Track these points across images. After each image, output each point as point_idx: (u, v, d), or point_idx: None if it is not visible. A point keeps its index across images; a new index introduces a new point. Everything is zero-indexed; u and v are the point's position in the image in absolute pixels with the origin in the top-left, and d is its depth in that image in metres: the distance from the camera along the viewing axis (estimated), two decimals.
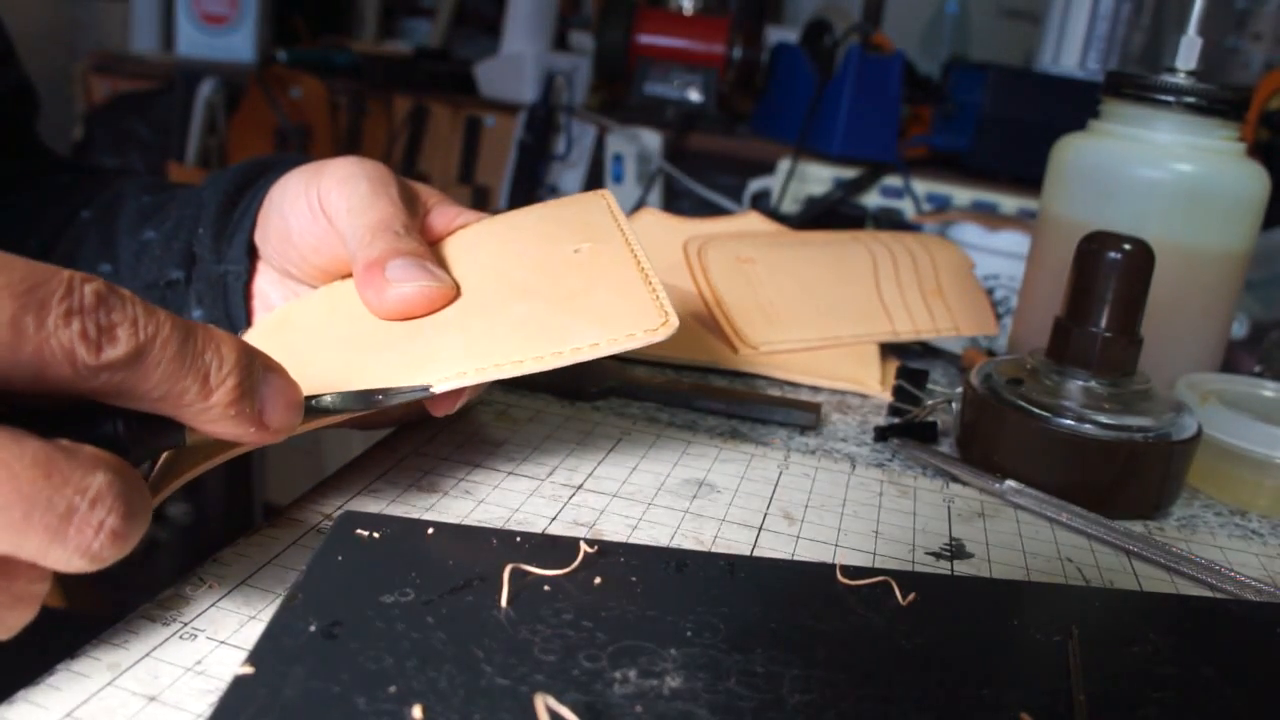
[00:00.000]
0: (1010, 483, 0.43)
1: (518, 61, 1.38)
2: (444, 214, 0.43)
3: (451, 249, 0.41)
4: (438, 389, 0.34)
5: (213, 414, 0.26)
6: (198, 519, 1.62)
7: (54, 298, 0.23)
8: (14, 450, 0.22)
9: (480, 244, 0.41)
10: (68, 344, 0.23)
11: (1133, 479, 0.43)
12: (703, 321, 0.59)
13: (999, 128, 1.11)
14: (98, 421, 0.26)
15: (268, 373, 0.28)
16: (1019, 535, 0.40)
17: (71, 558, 0.23)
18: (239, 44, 1.68)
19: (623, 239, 0.39)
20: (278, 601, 0.29)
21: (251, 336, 0.40)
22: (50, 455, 0.22)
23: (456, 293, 0.38)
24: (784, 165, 1.11)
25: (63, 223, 0.51)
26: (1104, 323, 0.44)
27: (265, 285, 0.45)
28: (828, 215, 1.09)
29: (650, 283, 0.36)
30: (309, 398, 0.31)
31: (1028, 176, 1.05)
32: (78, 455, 0.23)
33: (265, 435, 0.28)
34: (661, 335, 0.34)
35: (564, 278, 0.38)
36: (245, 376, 0.27)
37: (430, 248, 0.40)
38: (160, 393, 0.25)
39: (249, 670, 0.25)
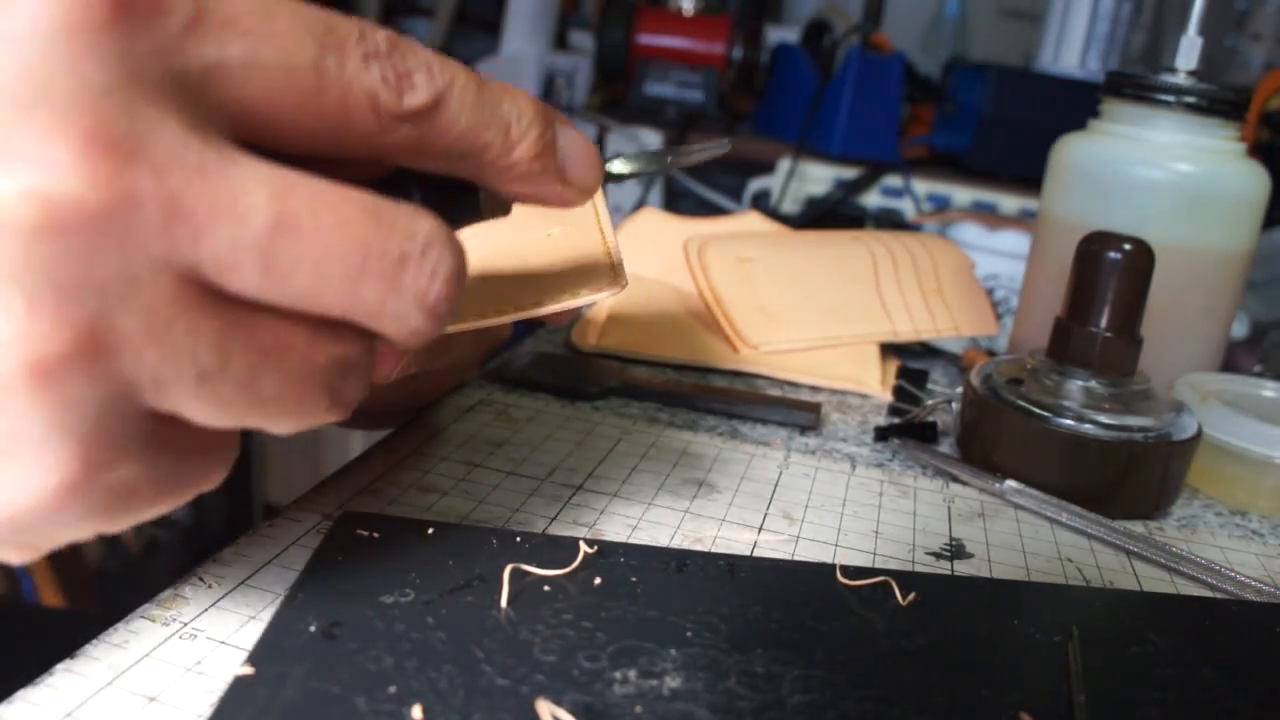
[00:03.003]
0: (1010, 483, 0.43)
1: (518, 61, 1.38)
2: None
3: None
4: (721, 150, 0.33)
5: (517, 170, 0.25)
6: (198, 519, 1.62)
7: (350, 40, 0.21)
8: (343, 195, 0.21)
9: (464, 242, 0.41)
10: (370, 88, 0.21)
11: (1133, 479, 0.43)
12: (703, 321, 0.59)
13: (999, 128, 1.11)
14: (393, 191, 0.24)
15: (564, 126, 0.26)
16: (1019, 535, 0.40)
17: (410, 311, 0.22)
18: None
19: (594, 215, 0.39)
20: (278, 601, 0.29)
21: None
22: (377, 202, 0.21)
23: None
24: (784, 165, 1.11)
25: None
26: (1104, 323, 0.44)
27: None
28: (828, 215, 1.09)
29: (606, 242, 0.36)
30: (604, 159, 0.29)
31: (1028, 176, 1.05)
32: (399, 203, 0.22)
33: (568, 194, 0.27)
34: (608, 292, 0.34)
35: (526, 251, 0.38)
36: (547, 127, 0.25)
37: None
38: (463, 147, 0.24)
39: (249, 670, 0.25)
